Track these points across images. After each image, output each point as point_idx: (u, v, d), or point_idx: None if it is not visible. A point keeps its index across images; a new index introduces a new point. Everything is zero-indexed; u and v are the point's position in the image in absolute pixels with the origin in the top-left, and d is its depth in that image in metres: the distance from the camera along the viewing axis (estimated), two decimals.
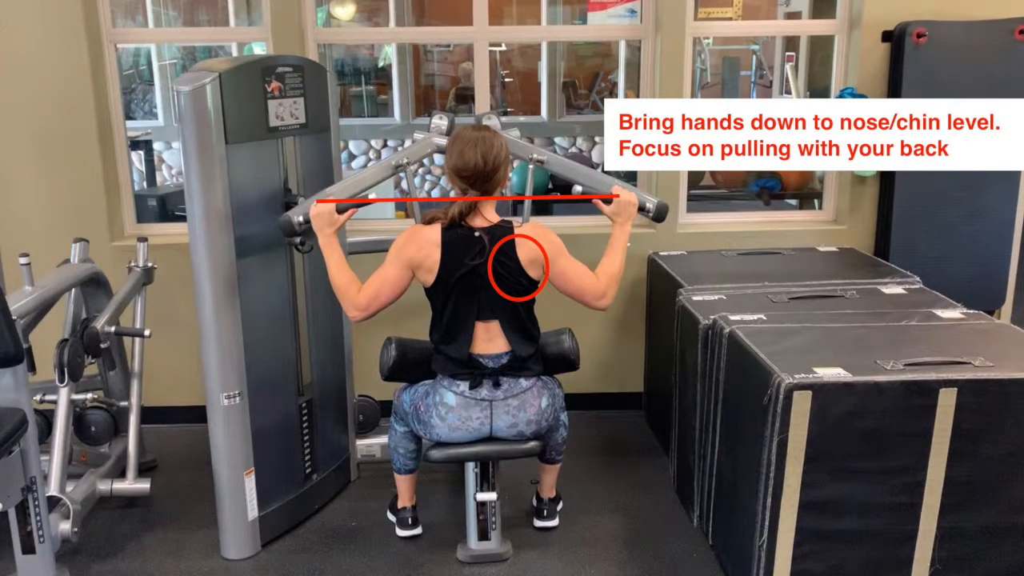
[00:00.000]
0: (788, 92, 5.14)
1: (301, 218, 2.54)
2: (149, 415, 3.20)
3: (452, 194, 2.55)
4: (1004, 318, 3.63)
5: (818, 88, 4.75)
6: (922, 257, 3.41)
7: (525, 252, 2.45)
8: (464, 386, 2.49)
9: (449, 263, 2.42)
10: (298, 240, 2.69)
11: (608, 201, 2.61)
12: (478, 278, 2.44)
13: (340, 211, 2.49)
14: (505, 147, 2.49)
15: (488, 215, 2.47)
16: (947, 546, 2.25)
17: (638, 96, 3.69)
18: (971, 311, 2.68)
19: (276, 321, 2.79)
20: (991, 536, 2.26)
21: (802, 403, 2.12)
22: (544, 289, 2.54)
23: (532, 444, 2.57)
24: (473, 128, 2.52)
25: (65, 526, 2.58)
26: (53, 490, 2.61)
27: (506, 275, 2.44)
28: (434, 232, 2.43)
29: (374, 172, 2.78)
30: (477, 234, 2.43)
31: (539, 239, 2.46)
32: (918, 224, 3.50)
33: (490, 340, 2.49)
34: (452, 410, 2.50)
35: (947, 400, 2.13)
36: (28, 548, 2.44)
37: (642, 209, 2.69)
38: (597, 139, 6.54)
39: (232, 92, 2.49)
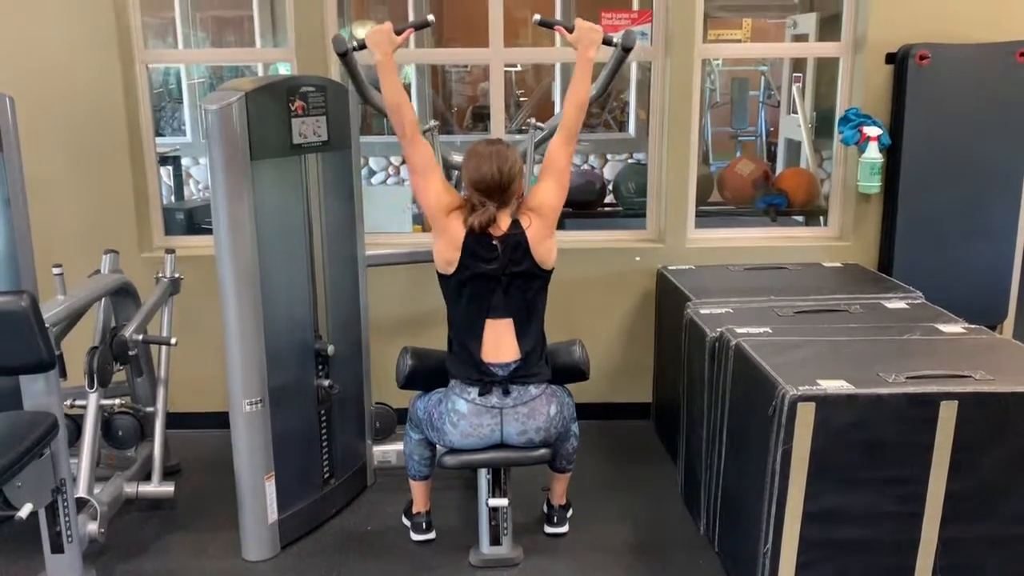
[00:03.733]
0: (795, 112, 5.22)
1: (356, 43, 2.63)
2: (174, 420, 3.27)
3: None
4: (1006, 333, 3.67)
5: (824, 109, 4.82)
6: (925, 272, 3.45)
7: (536, 241, 2.55)
8: (474, 393, 2.57)
9: (467, 263, 2.54)
10: (327, 383, 2.87)
11: (571, 30, 2.63)
12: (493, 281, 2.54)
13: (398, 32, 2.58)
14: (519, 159, 2.59)
15: (504, 224, 2.56)
16: (948, 556, 2.28)
17: (648, 116, 3.77)
18: (973, 326, 2.73)
19: (297, 331, 2.88)
20: (992, 546, 2.29)
21: (806, 414, 2.16)
22: (553, 300, 2.63)
23: (542, 452, 2.64)
24: (488, 142, 2.61)
25: (92, 527, 2.65)
26: (81, 492, 2.68)
27: (521, 275, 2.55)
28: (460, 233, 2.53)
29: None
30: (494, 242, 2.54)
31: (538, 216, 2.57)
32: (921, 240, 3.55)
33: (500, 344, 2.57)
34: (464, 417, 2.58)
35: (948, 413, 2.17)
36: (57, 548, 2.52)
37: (608, 42, 2.72)
38: (609, 156, 6.63)
39: (257, 111, 2.58)
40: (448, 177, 3.53)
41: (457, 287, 2.58)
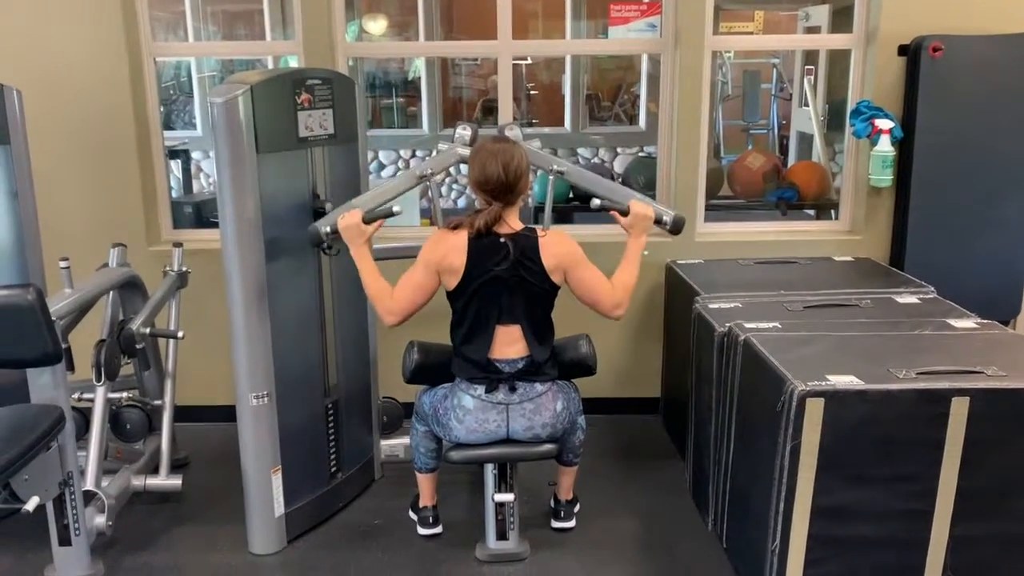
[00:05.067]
0: (807, 105, 5.17)
1: (328, 229, 2.63)
2: (181, 414, 3.29)
3: (476, 205, 2.62)
4: (1019, 328, 3.64)
5: (836, 101, 4.78)
6: (937, 267, 3.42)
7: (549, 258, 2.52)
8: (481, 389, 2.56)
9: (474, 268, 2.49)
10: (325, 244, 2.78)
11: (625, 213, 2.66)
12: (502, 283, 2.51)
13: (367, 222, 2.57)
14: (525, 158, 2.56)
15: (512, 223, 2.54)
16: (959, 554, 2.26)
17: (659, 108, 3.75)
18: (985, 321, 2.70)
19: (304, 324, 2.87)
20: (1003, 544, 2.27)
21: (815, 410, 2.14)
22: (560, 295, 2.61)
23: (548, 447, 2.63)
24: (494, 140, 2.59)
25: (100, 520, 2.67)
26: (89, 485, 2.69)
27: (530, 279, 2.51)
28: (460, 238, 2.50)
29: (399, 183, 2.86)
30: (502, 240, 2.51)
31: (561, 247, 2.54)
32: (933, 234, 3.52)
33: (509, 344, 2.56)
34: (470, 413, 2.57)
35: (959, 409, 2.15)
36: (64, 540, 2.54)
37: (659, 222, 2.74)
38: (619, 150, 6.60)
39: (263, 104, 2.57)
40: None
41: (466, 301, 2.54)
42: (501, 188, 2.50)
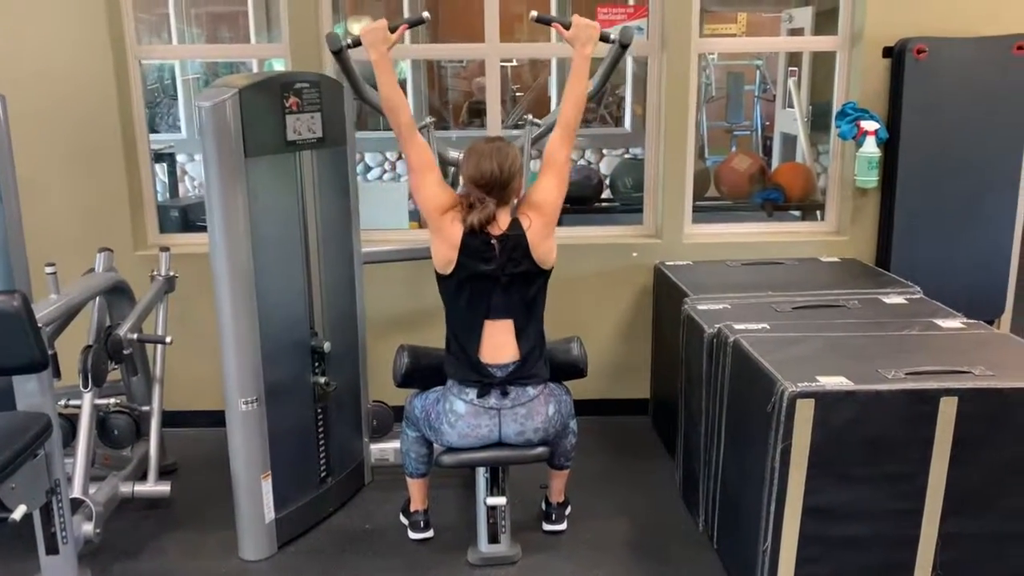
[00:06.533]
0: (791, 106, 5.20)
1: (350, 40, 2.61)
2: (169, 419, 3.26)
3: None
4: (1003, 327, 3.67)
5: (820, 102, 4.81)
6: (922, 267, 3.45)
7: (536, 240, 2.52)
8: (473, 394, 2.55)
9: (466, 261, 2.51)
10: (323, 380, 2.84)
11: (568, 27, 2.60)
12: (493, 280, 2.52)
13: (392, 29, 2.54)
14: (519, 157, 2.57)
15: (503, 222, 2.54)
16: (948, 551, 2.28)
17: (644, 111, 3.76)
18: (971, 321, 2.73)
19: (293, 329, 2.86)
20: (992, 542, 2.29)
21: (805, 411, 2.16)
22: (550, 296, 2.63)
23: (540, 450, 2.63)
24: (488, 140, 2.59)
25: (88, 527, 2.63)
26: (76, 492, 2.66)
27: (521, 274, 2.53)
28: (457, 233, 2.51)
29: None
30: (492, 242, 2.51)
31: (538, 214, 2.54)
32: (919, 235, 3.55)
33: (499, 345, 2.55)
34: (462, 418, 2.56)
35: (948, 408, 2.17)
36: (52, 549, 2.50)
37: (606, 39, 2.71)
38: (605, 151, 6.62)
39: (251, 107, 2.56)
40: (444, 174, 3.51)
41: (456, 288, 2.56)
42: (495, 185, 2.50)
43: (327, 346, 2.92)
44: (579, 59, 2.59)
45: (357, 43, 2.60)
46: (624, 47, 2.79)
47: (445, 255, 2.53)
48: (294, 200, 2.80)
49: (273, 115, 2.66)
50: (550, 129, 2.78)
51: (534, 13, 2.71)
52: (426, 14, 2.67)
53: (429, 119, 2.93)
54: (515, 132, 3.60)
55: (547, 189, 2.59)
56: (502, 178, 2.49)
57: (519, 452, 2.61)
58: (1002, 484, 2.25)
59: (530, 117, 3.00)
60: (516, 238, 2.52)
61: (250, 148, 2.57)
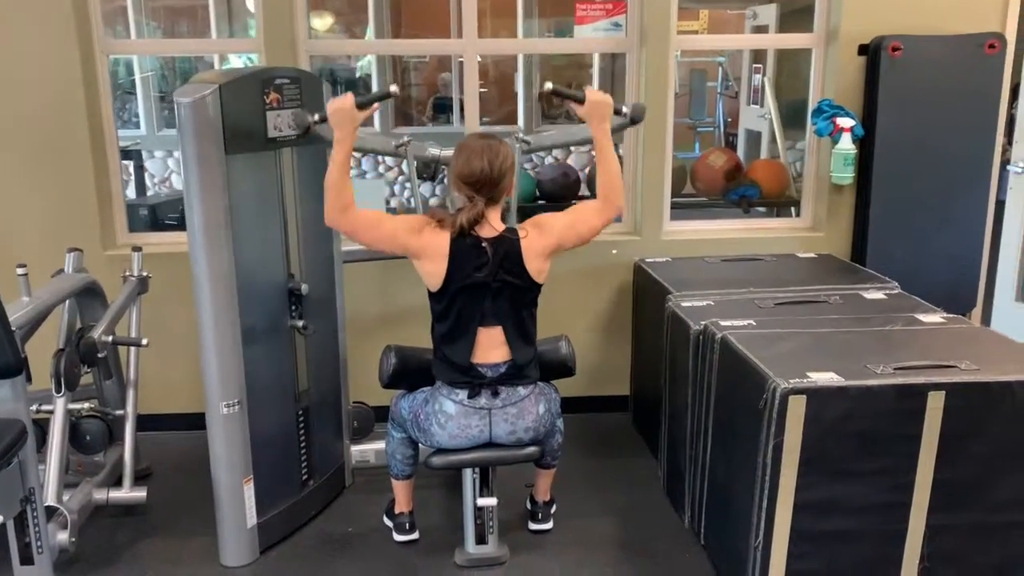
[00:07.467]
0: (756, 103, 5.25)
1: (317, 116, 2.54)
2: (143, 422, 3.17)
3: (456, 204, 2.56)
4: (974, 321, 3.75)
5: (785, 100, 4.87)
6: (897, 263, 3.51)
7: (532, 260, 2.48)
8: (463, 395, 2.52)
9: (456, 272, 2.44)
10: (300, 324, 2.76)
11: (582, 102, 2.54)
12: (484, 287, 2.47)
13: (360, 106, 2.41)
14: (511, 155, 2.52)
15: (495, 223, 2.50)
16: (935, 544, 2.31)
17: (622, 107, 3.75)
18: (950, 315, 2.77)
19: (274, 331, 2.80)
20: (978, 533, 2.33)
21: (797, 407, 2.16)
22: (544, 294, 2.59)
23: (531, 449, 2.61)
24: (479, 136, 2.55)
25: (63, 536, 2.56)
26: (50, 500, 2.58)
27: (513, 282, 2.48)
28: (443, 242, 2.44)
29: (378, 139, 2.80)
30: (484, 244, 2.46)
31: (542, 241, 2.50)
32: (893, 231, 3.60)
33: (491, 348, 2.52)
34: (452, 419, 2.53)
35: (936, 403, 2.20)
36: (26, 559, 2.42)
37: (618, 112, 2.67)
38: (572, 149, 6.60)
39: (232, 103, 2.50)
40: (426, 167, 3.46)
41: (447, 303, 2.49)
42: (485, 182, 2.44)
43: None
44: (599, 135, 2.54)
45: (324, 120, 2.50)
46: (634, 122, 2.78)
47: (434, 270, 2.45)
48: (275, 198, 2.73)
49: (254, 111, 2.59)
50: (540, 147, 2.79)
51: (548, 85, 2.62)
52: (394, 87, 2.52)
53: (406, 137, 2.82)
54: (497, 128, 3.57)
55: (557, 217, 2.54)
56: (493, 176, 2.44)
57: (510, 452, 2.58)
58: (987, 476, 2.29)
59: (520, 135, 2.92)
60: (510, 243, 2.47)
61: (230, 145, 2.51)
